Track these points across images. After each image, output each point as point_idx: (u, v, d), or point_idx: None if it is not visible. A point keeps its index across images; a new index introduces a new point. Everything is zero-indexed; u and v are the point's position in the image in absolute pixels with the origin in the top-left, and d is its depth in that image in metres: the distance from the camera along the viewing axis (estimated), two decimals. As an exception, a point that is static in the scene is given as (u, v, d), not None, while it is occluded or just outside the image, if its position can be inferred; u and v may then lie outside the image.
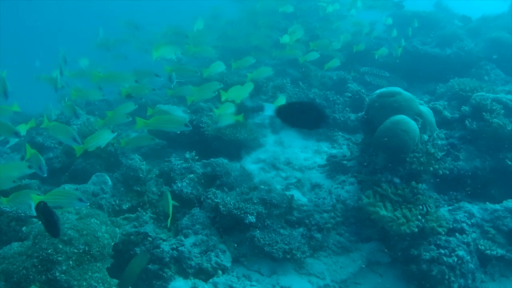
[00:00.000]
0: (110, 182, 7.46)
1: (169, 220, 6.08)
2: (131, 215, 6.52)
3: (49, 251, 5.43)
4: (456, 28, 13.76)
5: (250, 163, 8.47)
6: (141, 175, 6.84)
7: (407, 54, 12.22)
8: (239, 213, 6.45)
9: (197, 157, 7.65)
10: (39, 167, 5.58)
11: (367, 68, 11.69)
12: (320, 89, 10.25)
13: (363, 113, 7.84)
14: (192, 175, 7.21)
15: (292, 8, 12.04)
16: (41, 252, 5.45)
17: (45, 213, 4.45)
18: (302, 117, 4.44)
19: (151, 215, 6.74)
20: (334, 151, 8.86)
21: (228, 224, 6.60)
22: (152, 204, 6.86)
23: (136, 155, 7.07)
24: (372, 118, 7.36)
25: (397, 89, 7.37)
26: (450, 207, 7.05)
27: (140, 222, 6.38)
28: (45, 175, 5.75)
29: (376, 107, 7.30)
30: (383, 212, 6.35)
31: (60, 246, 5.44)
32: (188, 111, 9.38)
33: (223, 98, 7.29)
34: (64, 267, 5.40)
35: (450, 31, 13.28)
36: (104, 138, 6.27)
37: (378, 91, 7.37)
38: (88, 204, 5.43)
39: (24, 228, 6.50)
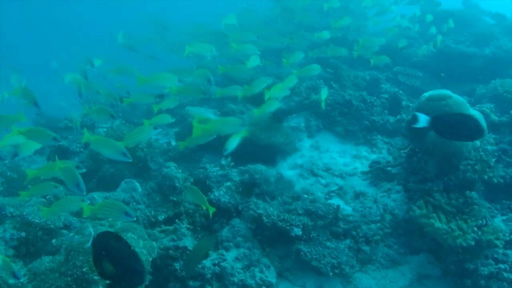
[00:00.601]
0: (140, 189, 7.10)
1: (211, 212, 5.63)
2: (168, 227, 6.11)
3: (84, 269, 5.03)
4: (490, 26, 13.26)
5: (287, 169, 8.03)
6: (177, 184, 6.43)
7: (440, 53, 11.74)
8: (284, 225, 6.05)
9: (232, 163, 7.20)
10: (76, 185, 5.10)
11: (400, 68, 11.22)
12: (353, 89, 9.78)
13: (409, 117, 7.38)
14: (229, 183, 6.80)
15: (339, 2, 11.53)
16: (75, 270, 5.04)
17: (122, 254, 3.36)
18: (459, 129, 4.22)
19: (188, 225, 6.32)
20: (374, 156, 8.42)
21: (271, 236, 6.25)
22: (189, 215, 6.46)
23: (172, 162, 6.64)
24: (421, 123, 6.92)
25: (447, 92, 6.93)
26: (504, 217, 6.59)
27: (179, 235, 5.97)
28: (84, 193, 5.29)
29: (425, 112, 6.82)
30: (438, 224, 5.94)
31: (96, 263, 5.00)
32: (218, 113, 8.95)
33: (266, 97, 6.97)
34: (100, 287, 4.99)
35: (485, 29, 12.80)
36: (146, 133, 5.90)
37: (427, 95, 6.92)
38: (135, 218, 5.01)
39: (54, 241, 6.11)
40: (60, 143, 6.08)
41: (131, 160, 5.38)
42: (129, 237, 5.42)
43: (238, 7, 12.97)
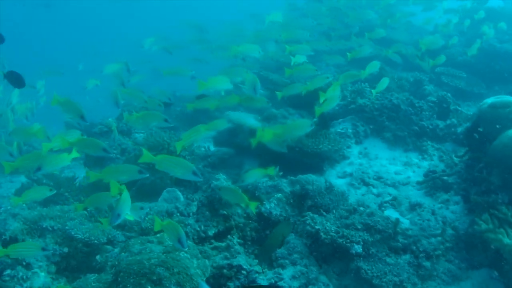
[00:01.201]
0: (182, 198, 6.85)
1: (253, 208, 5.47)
2: (220, 244, 5.74)
3: (135, 293, 4.62)
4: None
5: (336, 177, 7.65)
6: (228, 198, 6.04)
7: (483, 52, 11.25)
8: (344, 242, 5.66)
9: (281, 172, 6.80)
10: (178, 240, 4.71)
11: (443, 68, 10.76)
12: (397, 92, 9.35)
13: (469, 124, 6.97)
14: (280, 194, 6.42)
15: None
16: (126, 294, 4.64)
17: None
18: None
19: (238, 240, 5.96)
20: (425, 163, 8.01)
21: (327, 252, 5.85)
22: (239, 228, 6.08)
23: (221, 174, 6.27)
24: (484, 131, 6.52)
25: (510, 98, 6.49)
26: None
27: (232, 253, 5.59)
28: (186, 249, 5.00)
29: (488, 119, 6.44)
30: (506, 240, 5.55)
31: (149, 286, 4.66)
32: (259, 118, 8.55)
33: (322, 99, 6.75)
34: (154, 314, 4.65)
35: (529, 27, 12.29)
36: (201, 134, 5.87)
37: (489, 101, 6.50)
38: (186, 249, 4.66)
39: (98, 257, 5.76)
40: (110, 154, 5.71)
41: (201, 179, 5.21)
42: (183, 256, 5.05)
43: (277, 5, 12.50)
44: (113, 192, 5.20)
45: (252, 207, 5.38)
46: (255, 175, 5.78)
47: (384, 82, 7.57)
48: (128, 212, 4.93)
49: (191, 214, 6.44)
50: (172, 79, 8.78)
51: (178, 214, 6.44)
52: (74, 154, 5.66)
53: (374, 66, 7.81)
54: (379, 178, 7.60)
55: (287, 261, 5.69)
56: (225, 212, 6.03)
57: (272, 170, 5.80)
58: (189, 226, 5.85)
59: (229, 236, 5.95)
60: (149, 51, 10.67)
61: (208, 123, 6.15)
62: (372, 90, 7.82)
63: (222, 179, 6.20)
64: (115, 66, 9.01)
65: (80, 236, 5.80)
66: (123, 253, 5.47)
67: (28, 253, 5.17)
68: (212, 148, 8.94)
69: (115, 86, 7.61)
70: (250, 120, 8.34)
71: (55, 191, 5.92)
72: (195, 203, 6.60)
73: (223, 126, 6.44)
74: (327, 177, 7.57)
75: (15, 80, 6.95)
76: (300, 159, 7.66)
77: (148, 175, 5.46)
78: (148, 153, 5.20)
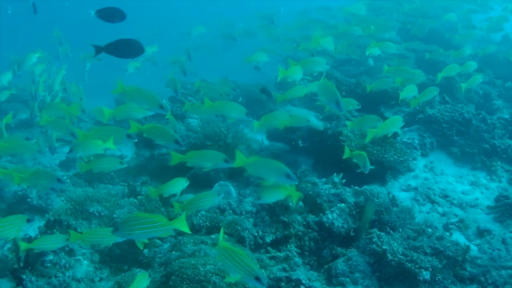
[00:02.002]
0: (234, 194, 6.39)
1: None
2: (279, 254, 5.24)
3: (189, 301, 4.17)
4: None
5: (399, 190, 7.12)
6: (290, 204, 5.56)
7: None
8: (413, 267, 5.12)
9: (344, 180, 6.28)
10: None
11: (513, 82, 10.07)
12: (465, 103, 8.75)
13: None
14: (343, 205, 5.91)
15: None
16: (178, 301, 4.19)
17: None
18: None
19: (296, 249, 5.47)
20: (493, 185, 7.42)
21: (390, 273, 5.33)
22: (297, 237, 5.58)
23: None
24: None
25: None
26: None
27: (291, 265, 5.10)
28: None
29: None
30: None
31: (207, 295, 4.18)
32: (320, 116, 8.03)
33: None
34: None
35: None
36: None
37: None
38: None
39: (146, 251, 5.30)
40: (182, 148, 5.28)
41: (297, 182, 4.83)
42: (241, 265, 4.56)
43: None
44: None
45: (296, 197, 5.06)
46: (275, 195, 5.17)
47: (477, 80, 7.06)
48: None
49: (243, 212, 6.03)
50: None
51: (231, 211, 6.04)
52: (110, 144, 5.35)
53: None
54: (445, 196, 7.04)
55: (348, 279, 5.21)
56: (285, 219, 5.56)
57: (296, 193, 5.19)
58: (247, 231, 5.37)
59: (288, 245, 5.45)
60: (195, 39, 10.24)
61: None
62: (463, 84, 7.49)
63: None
64: (152, 48, 8.72)
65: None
66: (174, 252, 5.04)
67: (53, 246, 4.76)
68: (266, 142, 8.45)
69: (174, 74, 7.19)
70: (311, 118, 7.82)
71: (126, 165, 5.65)
72: (248, 199, 6.25)
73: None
74: (389, 189, 7.06)
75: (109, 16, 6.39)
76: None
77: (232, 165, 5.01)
78: (241, 155, 4.88)
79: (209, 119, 7.10)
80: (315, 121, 7.84)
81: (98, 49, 5.84)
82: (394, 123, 6.10)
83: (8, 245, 6.39)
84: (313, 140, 7.87)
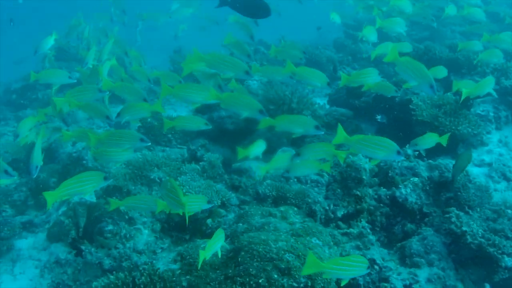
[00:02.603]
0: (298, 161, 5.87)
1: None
2: (352, 230, 4.89)
3: (260, 280, 3.85)
4: None
5: (471, 165, 6.62)
6: (364, 177, 5.20)
7: None
8: (495, 252, 4.70)
9: (417, 152, 5.84)
10: None
11: None
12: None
13: None
14: (416, 179, 5.51)
15: None
16: (247, 279, 3.87)
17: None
18: None
19: (367, 225, 5.08)
20: None
21: (467, 255, 4.97)
22: (369, 212, 5.21)
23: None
24: None
25: None
26: None
27: (365, 243, 4.76)
28: None
29: None
30: None
31: (275, 276, 3.85)
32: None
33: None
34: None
35: None
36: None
37: None
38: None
39: (209, 221, 4.99)
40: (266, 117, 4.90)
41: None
42: (315, 243, 4.23)
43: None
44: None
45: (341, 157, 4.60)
46: (306, 169, 4.78)
47: None
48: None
49: (308, 181, 5.72)
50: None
51: (295, 180, 5.68)
52: (158, 107, 5.05)
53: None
54: (522, 173, 6.55)
55: (423, 260, 4.86)
56: (358, 193, 5.18)
57: (328, 167, 4.72)
58: (318, 205, 5.00)
59: (363, 221, 5.08)
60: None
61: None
62: None
63: (360, 155, 5.27)
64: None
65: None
66: (240, 224, 4.71)
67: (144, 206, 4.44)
68: (327, 106, 8.04)
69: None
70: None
71: (210, 127, 5.26)
72: None
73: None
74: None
75: None
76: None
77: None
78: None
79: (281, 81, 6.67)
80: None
81: (222, 2, 5.68)
82: (488, 83, 5.75)
83: (63, 209, 6.16)
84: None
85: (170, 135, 7.19)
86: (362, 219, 5.18)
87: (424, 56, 8.24)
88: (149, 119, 7.13)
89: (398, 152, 4.12)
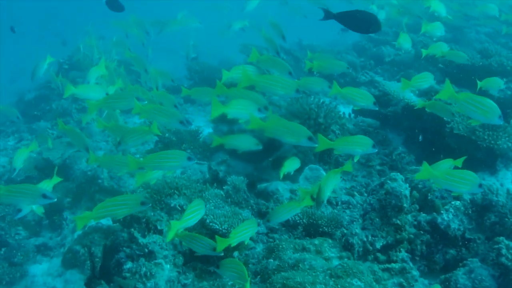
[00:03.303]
0: None
1: None
2: (394, 265, 4.35)
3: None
4: None
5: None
6: (405, 204, 4.63)
7: None
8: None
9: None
10: None
11: None
12: None
13: None
14: (458, 202, 4.95)
15: None
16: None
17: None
18: None
19: (406, 254, 4.63)
20: None
21: (515, 288, 4.39)
22: (409, 241, 4.67)
23: (398, 174, 4.81)
24: None
25: None
26: None
27: (408, 280, 4.23)
28: None
29: None
30: None
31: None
32: (417, 92, 7.00)
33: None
34: None
35: None
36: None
37: None
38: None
39: (236, 254, 4.57)
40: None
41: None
42: (356, 286, 3.69)
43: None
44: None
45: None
46: (285, 215, 4.21)
47: None
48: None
49: (339, 203, 5.29)
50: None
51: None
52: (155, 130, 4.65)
53: None
54: None
55: (471, 297, 4.28)
56: (398, 222, 4.63)
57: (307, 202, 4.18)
58: (356, 237, 4.47)
59: (400, 251, 4.55)
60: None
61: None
62: None
63: (399, 180, 4.71)
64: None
65: (217, 227, 4.52)
66: (271, 260, 4.19)
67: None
68: (352, 115, 7.51)
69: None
70: (407, 94, 6.81)
71: (261, 147, 4.91)
72: (341, 189, 5.58)
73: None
74: (501, 179, 6.09)
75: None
76: (469, 151, 6.12)
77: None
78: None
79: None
80: (412, 96, 6.82)
81: (328, 15, 5.25)
82: None
83: (78, 232, 5.71)
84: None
85: (189, 150, 6.69)
86: (401, 249, 4.64)
87: (454, 62, 7.68)
88: (167, 134, 6.62)
89: (480, 185, 3.99)
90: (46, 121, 9.26)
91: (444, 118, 5.88)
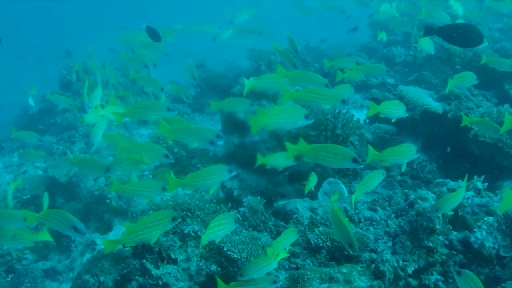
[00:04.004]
0: (346, 193, 5.25)
1: None
2: (429, 293, 3.93)
3: None
4: None
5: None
6: (437, 226, 4.21)
7: None
8: None
9: (486, 184, 4.88)
10: None
11: None
12: None
13: None
14: (491, 218, 4.52)
15: None
16: None
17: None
18: None
19: (438, 276, 4.19)
20: None
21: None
22: (441, 263, 4.24)
23: (428, 192, 4.41)
24: None
25: None
26: None
27: (446, 309, 3.79)
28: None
29: None
30: None
31: None
32: (435, 96, 6.60)
33: None
34: None
35: None
36: None
37: None
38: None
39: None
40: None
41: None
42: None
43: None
44: None
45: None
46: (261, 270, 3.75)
47: None
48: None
49: (362, 219, 4.95)
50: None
51: (347, 218, 4.82)
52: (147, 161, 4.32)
53: None
54: None
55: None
56: (430, 244, 4.20)
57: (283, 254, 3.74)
58: (387, 264, 4.05)
59: (433, 274, 4.15)
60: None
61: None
62: None
63: (430, 198, 4.29)
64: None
65: (235, 256, 4.11)
66: (299, 293, 3.77)
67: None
68: (367, 121, 7.11)
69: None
70: (426, 99, 6.40)
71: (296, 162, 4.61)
72: (360, 198, 5.15)
73: None
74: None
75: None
76: (494, 158, 5.73)
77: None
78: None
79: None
80: (431, 102, 6.41)
81: (429, 31, 5.08)
82: None
83: (87, 256, 5.34)
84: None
85: (199, 165, 6.30)
86: (433, 272, 4.23)
87: (471, 63, 7.27)
88: (176, 149, 6.22)
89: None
90: (51, 135, 8.87)
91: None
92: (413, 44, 6.76)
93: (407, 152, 4.11)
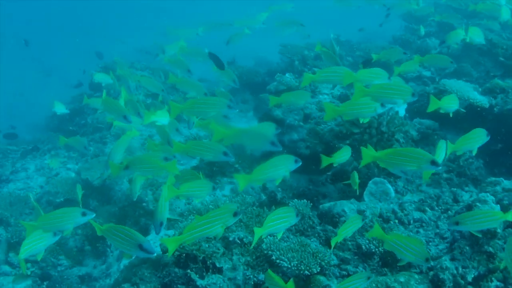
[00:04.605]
0: (392, 193, 5.03)
1: None
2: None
3: None
4: None
5: None
6: (498, 230, 3.90)
7: None
8: None
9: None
10: None
11: None
12: None
13: None
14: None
15: None
16: None
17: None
18: None
19: (498, 283, 3.86)
20: None
21: None
22: (502, 270, 3.94)
23: (488, 194, 4.08)
24: None
25: None
26: None
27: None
28: None
29: None
30: None
31: None
32: (480, 89, 6.26)
33: None
34: None
35: None
36: None
37: None
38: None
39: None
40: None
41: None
42: None
43: None
44: None
45: None
46: None
47: None
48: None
49: (411, 221, 4.66)
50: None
51: (396, 221, 4.63)
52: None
53: None
54: None
55: None
56: (491, 249, 3.89)
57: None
58: (447, 272, 3.76)
59: (492, 280, 3.85)
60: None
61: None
62: None
63: (490, 201, 3.98)
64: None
65: (285, 264, 3.84)
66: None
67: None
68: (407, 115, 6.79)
69: None
70: (471, 93, 6.06)
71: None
72: (406, 197, 5.05)
73: None
74: None
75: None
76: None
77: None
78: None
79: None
80: (477, 96, 6.07)
81: None
82: None
83: (124, 262, 5.13)
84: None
85: (237, 165, 6.05)
86: (493, 278, 3.93)
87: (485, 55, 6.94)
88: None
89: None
90: (82, 136, 8.69)
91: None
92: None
93: (477, 138, 4.20)
